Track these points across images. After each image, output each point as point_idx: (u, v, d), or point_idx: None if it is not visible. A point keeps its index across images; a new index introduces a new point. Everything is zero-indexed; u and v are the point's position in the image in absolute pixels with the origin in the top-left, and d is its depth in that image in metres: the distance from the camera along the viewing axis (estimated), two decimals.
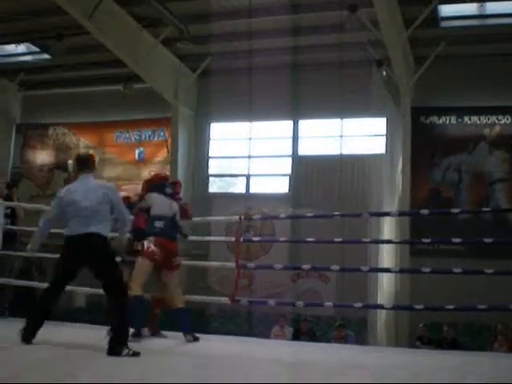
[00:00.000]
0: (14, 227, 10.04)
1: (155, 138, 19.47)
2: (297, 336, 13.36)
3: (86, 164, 6.84)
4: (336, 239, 9.18)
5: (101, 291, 6.52)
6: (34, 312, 6.65)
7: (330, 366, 6.08)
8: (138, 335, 7.21)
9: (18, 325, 7.87)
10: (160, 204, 7.74)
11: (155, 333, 7.84)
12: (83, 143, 20.65)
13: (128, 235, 7.07)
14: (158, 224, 7.63)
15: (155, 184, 8.03)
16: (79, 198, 6.49)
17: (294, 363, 6.22)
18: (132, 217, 7.58)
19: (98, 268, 6.40)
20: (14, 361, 5.42)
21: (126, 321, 6.25)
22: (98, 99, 19.77)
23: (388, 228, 15.58)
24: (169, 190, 7.90)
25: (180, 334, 7.60)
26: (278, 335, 13.38)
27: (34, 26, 16.86)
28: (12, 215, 10.04)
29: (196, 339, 7.38)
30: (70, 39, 16.87)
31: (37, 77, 20.42)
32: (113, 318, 6.23)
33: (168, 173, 18.22)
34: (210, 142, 19.01)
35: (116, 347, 5.94)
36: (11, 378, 4.47)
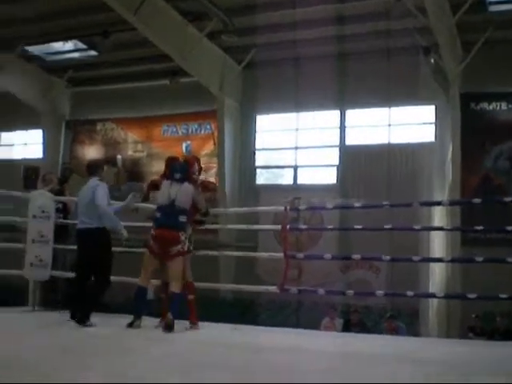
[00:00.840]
0: (66, 221, 10.17)
1: (202, 132, 19.53)
2: (347, 327, 13.27)
3: (92, 169, 8.24)
4: (386, 226, 9.05)
5: None
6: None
7: (386, 358, 6.02)
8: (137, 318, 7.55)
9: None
10: (161, 194, 7.86)
11: (163, 320, 7.63)
12: (131, 138, 20.86)
13: None
14: (157, 215, 7.81)
15: (166, 172, 8.09)
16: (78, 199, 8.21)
17: (350, 354, 6.17)
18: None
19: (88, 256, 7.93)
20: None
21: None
22: (145, 94, 19.93)
23: (438, 217, 15.38)
24: (177, 176, 7.86)
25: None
26: (327, 327, 13.29)
27: (80, 24, 17.09)
28: (64, 210, 10.17)
29: (169, 328, 7.25)
30: (117, 35, 17.04)
31: (85, 73, 20.72)
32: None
33: (215, 165, 18.37)
34: (257, 133, 18.99)
35: (82, 318, 7.55)
36: None
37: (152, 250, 7.64)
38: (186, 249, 7.65)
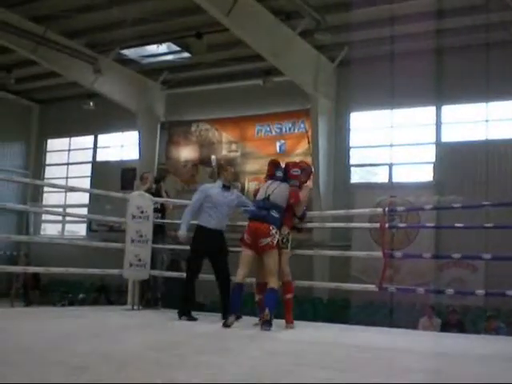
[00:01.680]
0: (163, 221, 10.36)
1: (295, 130, 19.53)
2: (445, 327, 13.03)
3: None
4: (486, 225, 8.82)
5: None
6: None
7: (490, 359, 5.88)
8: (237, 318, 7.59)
9: (172, 316, 8.21)
10: (260, 192, 8.03)
11: (261, 318, 7.49)
12: (226, 138, 21.06)
13: None
14: (252, 207, 8.07)
15: (269, 173, 8.29)
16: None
17: (454, 355, 6.06)
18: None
19: None
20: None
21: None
22: (238, 94, 20.12)
23: None
24: (279, 173, 8.11)
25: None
26: (426, 326, 13.10)
27: (174, 26, 17.43)
28: (161, 209, 10.35)
29: (267, 324, 7.23)
30: (209, 37, 17.27)
31: (178, 75, 21.10)
32: None
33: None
34: (351, 131, 18.86)
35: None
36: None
37: (245, 242, 7.70)
38: (275, 243, 7.59)
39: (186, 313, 8.14)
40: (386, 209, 8.58)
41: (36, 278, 21.24)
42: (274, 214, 7.68)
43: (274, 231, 7.60)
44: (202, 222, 8.38)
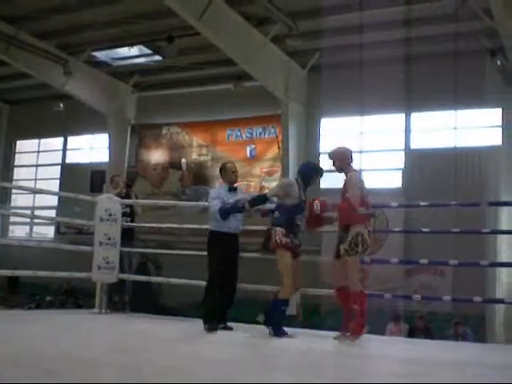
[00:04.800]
0: (132, 224, 10.34)
1: (266, 135, 19.59)
2: (412, 332, 13.16)
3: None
4: (453, 229, 8.92)
5: None
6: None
7: (450, 363, 5.96)
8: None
9: (138, 320, 8.18)
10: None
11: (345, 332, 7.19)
12: (196, 142, 21.07)
13: None
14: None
15: None
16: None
17: (422, 360, 6.13)
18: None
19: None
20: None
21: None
22: (210, 98, 20.12)
23: (506, 221, 15.12)
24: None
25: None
26: (393, 332, 13.22)
27: (145, 29, 17.39)
28: (130, 213, 10.33)
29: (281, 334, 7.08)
30: (181, 40, 17.26)
31: (150, 78, 21.04)
32: None
33: (279, 169, 18.44)
34: (321, 137, 18.94)
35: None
36: None
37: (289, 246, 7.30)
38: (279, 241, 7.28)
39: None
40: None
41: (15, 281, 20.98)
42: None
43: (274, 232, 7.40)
44: (218, 227, 7.90)
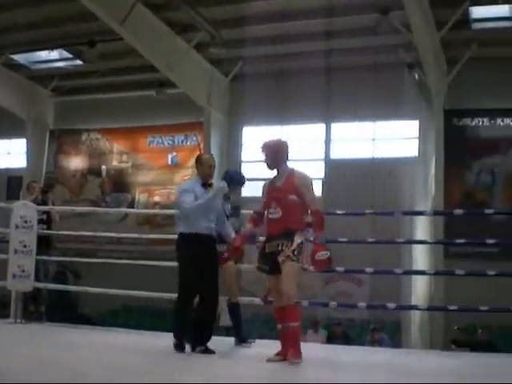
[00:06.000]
0: (49, 232, 10.14)
1: (188, 143, 19.52)
2: (331, 339, 13.33)
3: None
4: (369, 239, 9.11)
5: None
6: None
7: (363, 368, 6.08)
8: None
9: (57, 329, 8.01)
10: None
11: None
12: (116, 148, 20.81)
13: None
14: None
15: None
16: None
17: (336, 365, 6.23)
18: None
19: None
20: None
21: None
22: (131, 105, 19.90)
23: (421, 231, 15.51)
24: None
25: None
26: (312, 339, 13.34)
27: (66, 33, 17.10)
28: (47, 220, 10.13)
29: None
30: (103, 45, 17.09)
31: (70, 83, 20.65)
32: None
33: None
34: (243, 146, 19.04)
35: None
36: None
37: None
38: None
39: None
40: None
41: None
42: None
43: None
44: (191, 229, 6.69)
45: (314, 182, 6.45)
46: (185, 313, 6.63)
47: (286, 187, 6.25)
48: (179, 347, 6.49)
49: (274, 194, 6.32)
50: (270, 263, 6.14)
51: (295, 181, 6.25)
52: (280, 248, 6.08)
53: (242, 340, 7.43)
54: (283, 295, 6.01)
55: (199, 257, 6.54)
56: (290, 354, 5.87)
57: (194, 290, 6.61)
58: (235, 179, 7.55)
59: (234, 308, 7.55)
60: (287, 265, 5.98)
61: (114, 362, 5.61)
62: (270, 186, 6.43)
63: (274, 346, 6.26)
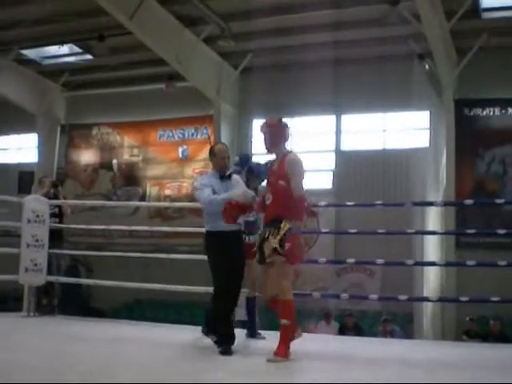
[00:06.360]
0: (61, 225, 10.19)
1: (198, 136, 19.55)
2: (342, 331, 13.35)
3: None
4: (380, 230, 9.07)
5: None
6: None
7: (375, 360, 6.08)
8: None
9: (69, 322, 8.07)
10: None
11: None
12: (127, 142, 20.86)
13: None
14: None
15: None
16: None
17: (347, 357, 6.24)
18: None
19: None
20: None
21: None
22: (141, 98, 19.92)
23: (433, 222, 15.46)
24: None
25: None
26: (324, 330, 13.38)
27: (76, 27, 17.09)
28: (59, 214, 10.18)
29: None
30: (112, 39, 17.08)
31: (80, 77, 20.70)
32: None
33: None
34: (253, 138, 19.02)
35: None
36: None
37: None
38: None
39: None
40: None
41: None
42: None
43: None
44: (214, 228, 6.42)
45: (305, 167, 6.00)
46: (226, 317, 6.28)
47: (278, 172, 5.96)
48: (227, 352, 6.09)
49: (270, 178, 6.11)
50: (259, 252, 5.95)
51: (285, 165, 5.90)
52: (266, 236, 5.83)
53: (252, 335, 7.42)
54: (274, 289, 5.84)
55: (225, 255, 6.24)
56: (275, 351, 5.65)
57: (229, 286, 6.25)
58: (256, 172, 7.28)
59: (250, 302, 7.52)
60: (276, 264, 5.76)
61: (119, 355, 5.66)
62: (270, 171, 6.20)
63: None
